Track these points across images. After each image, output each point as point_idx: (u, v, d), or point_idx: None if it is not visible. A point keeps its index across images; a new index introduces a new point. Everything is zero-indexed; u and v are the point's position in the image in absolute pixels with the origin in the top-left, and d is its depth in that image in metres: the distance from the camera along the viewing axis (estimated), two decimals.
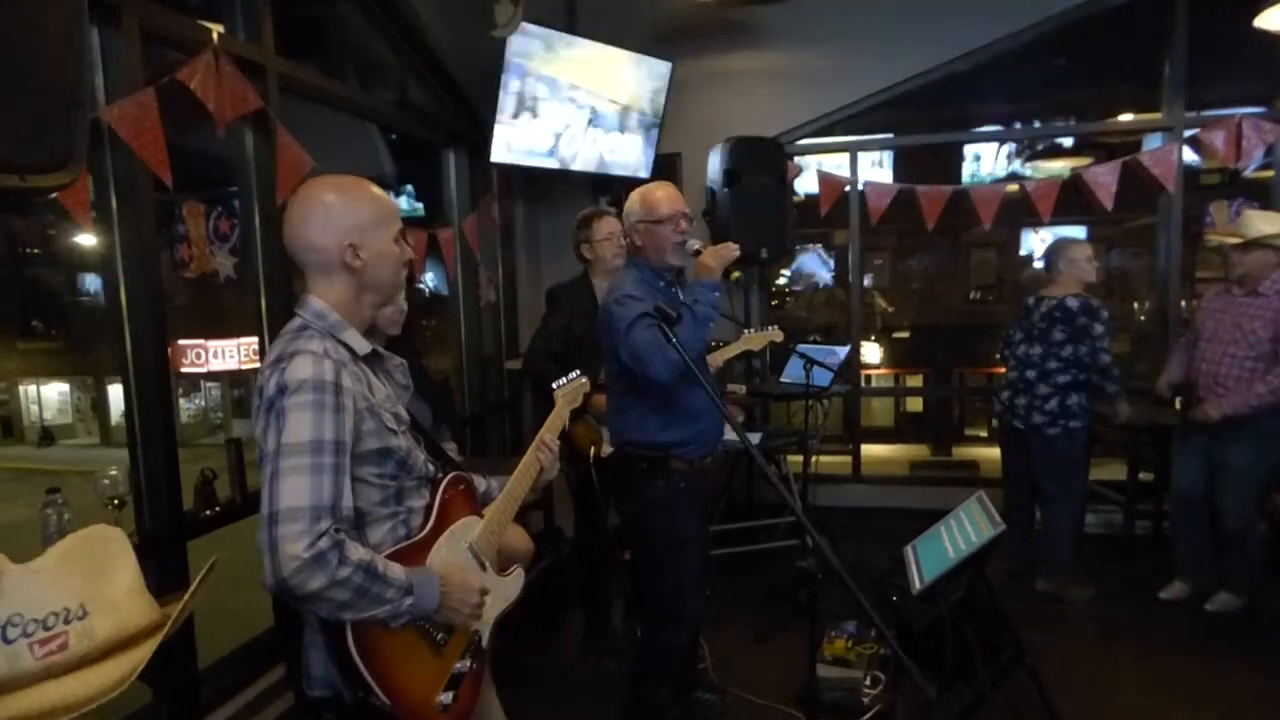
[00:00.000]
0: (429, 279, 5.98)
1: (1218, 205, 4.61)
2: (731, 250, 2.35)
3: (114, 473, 2.04)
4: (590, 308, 3.11)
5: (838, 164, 4.87)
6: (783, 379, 4.02)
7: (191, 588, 1.26)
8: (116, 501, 2.02)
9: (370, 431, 1.40)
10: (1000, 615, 2.71)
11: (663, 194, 2.39)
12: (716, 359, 3.10)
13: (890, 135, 5.38)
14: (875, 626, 2.68)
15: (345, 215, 1.42)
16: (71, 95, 0.95)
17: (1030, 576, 3.74)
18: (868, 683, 2.82)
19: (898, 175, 5.54)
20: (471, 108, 4.06)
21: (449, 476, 1.60)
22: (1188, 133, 4.40)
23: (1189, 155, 4.65)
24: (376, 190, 1.48)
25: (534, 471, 1.80)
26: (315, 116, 3.78)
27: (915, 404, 12.81)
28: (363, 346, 1.45)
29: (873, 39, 4.61)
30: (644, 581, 2.50)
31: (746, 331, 3.32)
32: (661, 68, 4.35)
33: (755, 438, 3.82)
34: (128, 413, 2.16)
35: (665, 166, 4.66)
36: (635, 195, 2.41)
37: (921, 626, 2.89)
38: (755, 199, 4.15)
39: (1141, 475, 4.33)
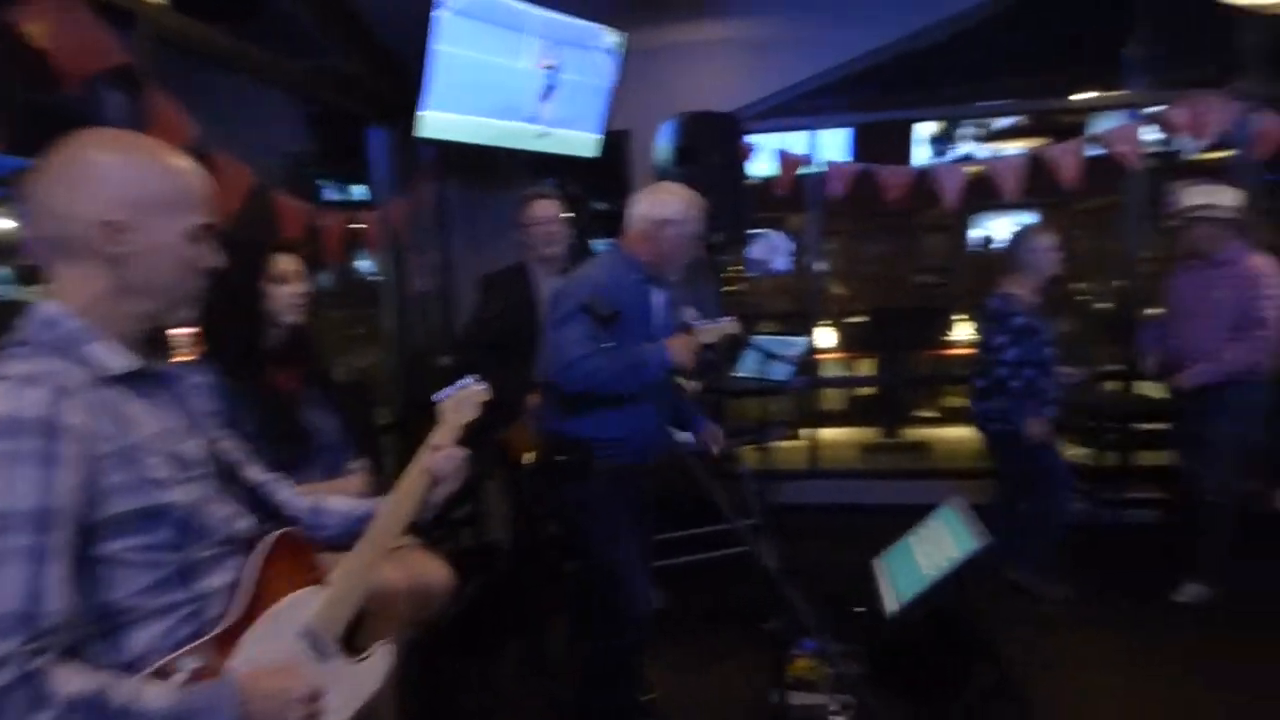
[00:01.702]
0: (363, 266, 5.57)
1: (1183, 185, 4.49)
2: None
3: None
4: (528, 297, 2.81)
5: (795, 143, 4.62)
6: (738, 372, 3.75)
7: None
8: None
9: (120, 487, 0.99)
10: (982, 634, 2.51)
11: (692, 203, 2.31)
12: None
13: (849, 114, 5.16)
14: (829, 658, 2.46)
15: (115, 182, 1.03)
16: None
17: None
18: (834, 708, 2.59)
19: (853, 156, 5.32)
20: (401, 77, 3.67)
21: (273, 538, 1.19)
22: (1147, 110, 4.27)
23: (1149, 137, 4.55)
24: (180, 164, 1.10)
25: (413, 500, 1.38)
26: (219, 87, 3.37)
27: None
28: (119, 363, 1.05)
29: (831, 10, 4.35)
30: (584, 582, 2.40)
31: (697, 324, 3.05)
32: (611, 38, 4.02)
33: None
34: None
35: (614, 146, 4.35)
36: (688, 196, 2.31)
37: (892, 644, 2.69)
38: (710, 180, 3.85)
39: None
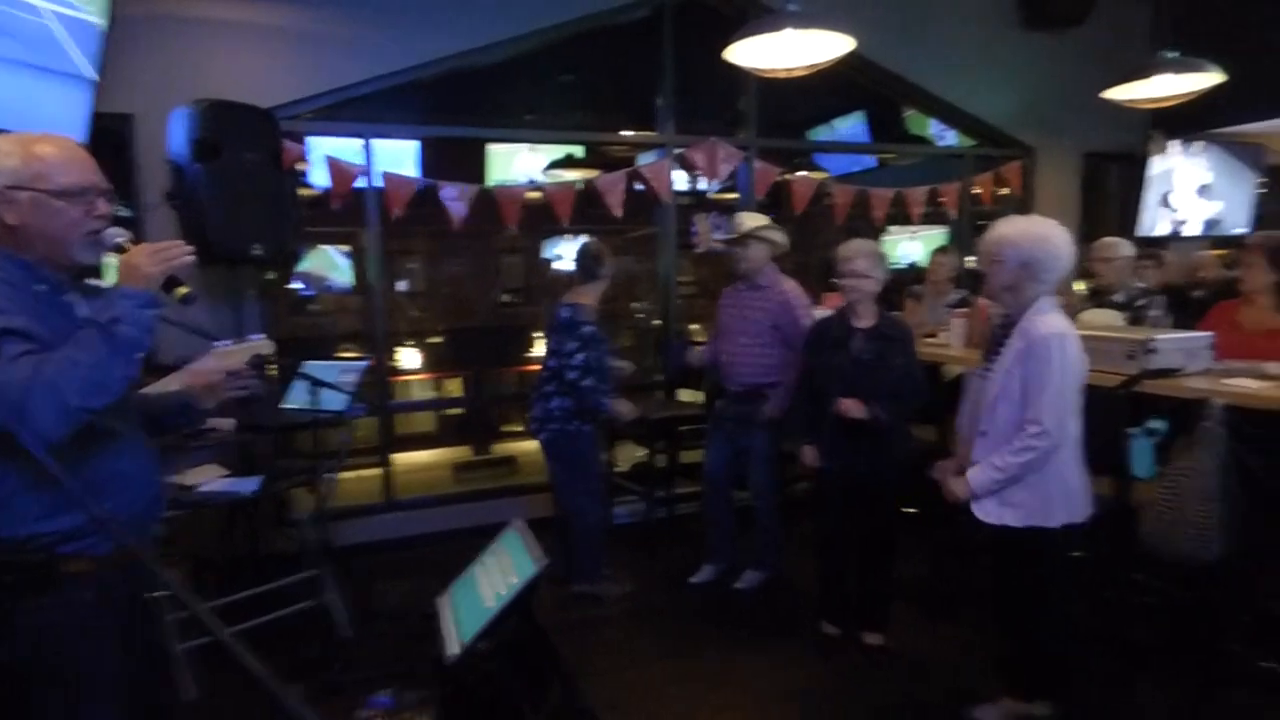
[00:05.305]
0: None
1: (699, 217, 5.22)
2: (180, 252, 1.54)
3: None
4: None
5: (352, 152, 4.26)
6: (286, 404, 3.25)
7: None
8: None
9: None
10: (549, 652, 2.48)
11: (59, 152, 1.53)
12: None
13: (409, 127, 4.95)
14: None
15: None
16: None
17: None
18: None
19: (426, 173, 5.16)
20: None
21: None
22: (676, 150, 4.87)
23: (680, 175, 5.20)
24: None
25: None
26: None
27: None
28: None
29: (389, 12, 4.13)
30: None
31: (217, 344, 2.54)
32: None
33: (253, 482, 3.03)
34: None
35: (110, 132, 3.51)
36: (9, 148, 1.50)
37: (463, 682, 2.54)
38: (242, 182, 3.32)
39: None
